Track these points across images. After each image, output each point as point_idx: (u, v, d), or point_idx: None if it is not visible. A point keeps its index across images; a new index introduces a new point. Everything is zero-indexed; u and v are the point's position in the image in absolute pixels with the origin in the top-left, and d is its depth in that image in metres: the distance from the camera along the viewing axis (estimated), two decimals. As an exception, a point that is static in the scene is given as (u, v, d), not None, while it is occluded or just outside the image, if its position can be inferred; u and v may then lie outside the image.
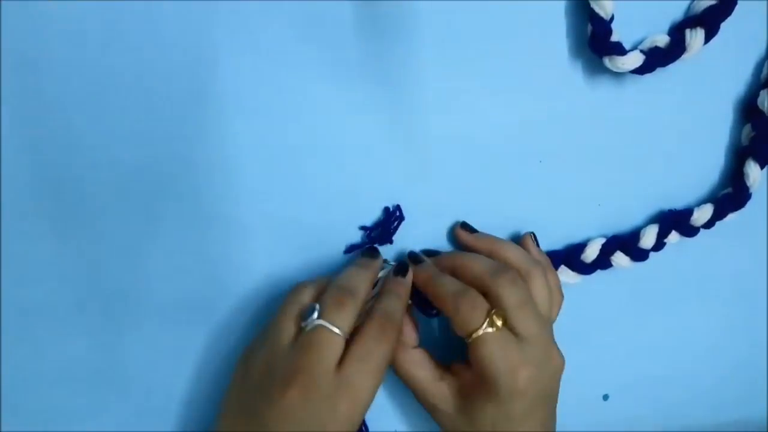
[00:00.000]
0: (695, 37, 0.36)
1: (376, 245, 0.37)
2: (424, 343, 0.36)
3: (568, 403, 0.35)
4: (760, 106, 0.38)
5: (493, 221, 0.38)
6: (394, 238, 0.38)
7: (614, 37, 0.35)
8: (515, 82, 0.37)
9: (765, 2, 0.38)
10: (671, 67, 0.36)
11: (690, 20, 0.36)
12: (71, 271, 0.36)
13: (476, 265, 0.34)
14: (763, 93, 0.38)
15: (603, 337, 0.39)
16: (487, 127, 0.37)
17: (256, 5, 0.34)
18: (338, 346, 0.31)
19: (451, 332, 0.33)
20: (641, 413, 0.43)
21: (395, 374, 0.35)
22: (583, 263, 0.39)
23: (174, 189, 0.35)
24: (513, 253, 0.35)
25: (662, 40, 0.36)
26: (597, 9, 0.34)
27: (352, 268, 0.35)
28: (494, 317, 0.32)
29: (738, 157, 0.40)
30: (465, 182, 0.38)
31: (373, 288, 0.35)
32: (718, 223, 0.40)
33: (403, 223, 0.38)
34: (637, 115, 0.38)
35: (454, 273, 0.35)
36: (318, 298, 0.33)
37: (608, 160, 0.39)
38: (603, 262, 0.39)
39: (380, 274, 0.36)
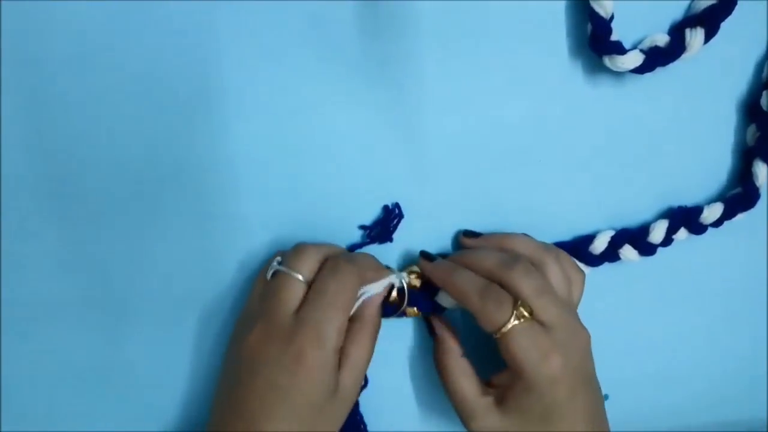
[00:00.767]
0: (695, 36, 0.36)
1: (376, 243, 0.38)
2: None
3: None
4: (764, 107, 0.38)
5: (494, 221, 0.38)
6: (394, 236, 0.38)
7: (614, 37, 0.35)
8: (515, 81, 0.37)
9: (765, 2, 0.38)
10: (671, 66, 0.36)
11: (690, 20, 0.36)
12: (72, 270, 0.36)
13: (488, 259, 0.34)
14: (765, 93, 0.38)
15: (604, 337, 0.39)
16: (487, 126, 0.37)
17: (257, 5, 0.34)
18: (297, 288, 0.32)
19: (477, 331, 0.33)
20: (642, 413, 0.43)
21: (444, 386, 0.35)
22: (591, 255, 0.39)
23: (175, 188, 0.35)
24: (521, 243, 0.36)
25: (662, 39, 0.36)
26: (597, 8, 0.34)
27: None
28: (521, 309, 0.32)
29: (745, 157, 0.40)
30: (465, 182, 0.38)
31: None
32: (725, 222, 0.40)
33: (402, 222, 0.38)
34: (637, 114, 0.38)
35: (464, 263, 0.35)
36: None
37: (608, 160, 0.39)
38: (611, 254, 0.39)
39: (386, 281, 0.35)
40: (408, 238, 0.38)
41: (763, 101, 0.38)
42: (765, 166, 0.38)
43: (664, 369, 0.43)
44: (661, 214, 0.40)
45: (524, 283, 0.32)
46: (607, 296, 0.40)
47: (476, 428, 0.33)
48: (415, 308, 0.36)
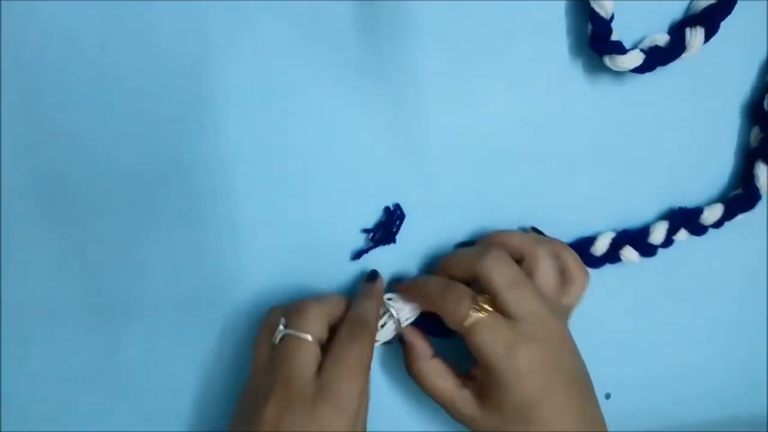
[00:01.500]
0: (695, 36, 0.36)
1: (380, 246, 0.37)
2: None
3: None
4: (767, 108, 0.38)
5: (494, 221, 0.38)
6: (397, 237, 0.37)
7: (614, 36, 0.35)
8: (515, 81, 0.37)
9: (765, 1, 0.38)
10: (671, 66, 0.36)
11: (690, 19, 0.36)
12: (71, 271, 0.36)
13: (461, 255, 0.34)
14: (768, 96, 0.38)
15: (605, 336, 0.39)
16: (487, 126, 0.37)
17: (256, 5, 0.34)
18: (310, 351, 0.31)
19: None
20: (643, 412, 0.43)
21: (420, 389, 0.35)
22: (592, 256, 0.39)
23: (173, 189, 0.35)
24: (511, 237, 0.35)
25: (662, 39, 0.36)
26: (597, 8, 0.34)
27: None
28: (480, 302, 0.32)
29: (747, 159, 0.40)
30: (465, 182, 0.38)
31: None
32: (725, 223, 0.40)
33: (403, 223, 0.38)
34: (638, 114, 0.38)
35: (445, 273, 0.35)
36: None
37: (608, 159, 0.39)
38: (612, 256, 0.39)
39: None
40: (408, 239, 0.38)
41: (766, 103, 0.38)
42: (766, 167, 0.38)
43: (664, 369, 0.43)
44: (661, 214, 0.40)
45: (494, 274, 0.32)
46: (607, 297, 0.40)
47: (464, 422, 0.33)
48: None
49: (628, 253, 0.39)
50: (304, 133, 0.36)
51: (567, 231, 0.40)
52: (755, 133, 0.39)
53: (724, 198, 0.40)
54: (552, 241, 0.36)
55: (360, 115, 0.36)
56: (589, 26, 0.35)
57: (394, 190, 0.37)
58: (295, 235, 0.37)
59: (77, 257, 0.36)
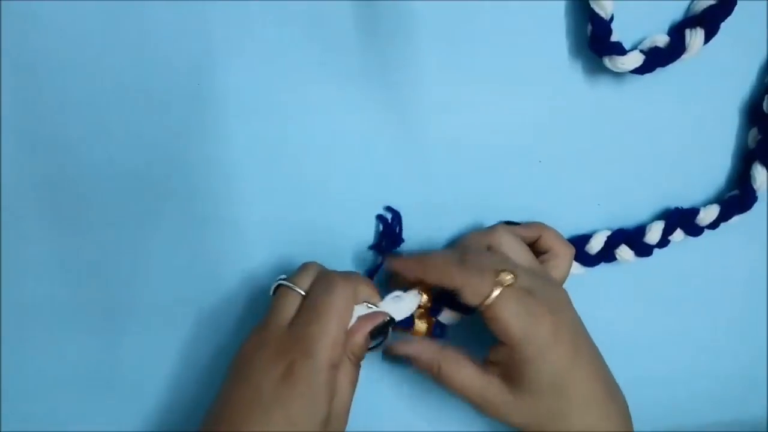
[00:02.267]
0: (695, 37, 0.36)
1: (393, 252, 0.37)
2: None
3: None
4: (766, 110, 0.38)
5: (493, 221, 0.38)
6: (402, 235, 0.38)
7: (614, 37, 0.35)
8: (515, 82, 0.37)
9: (765, 2, 0.38)
10: (671, 67, 0.36)
11: (690, 20, 0.36)
12: (71, 271, 0.36)
13: (442, 262, 0.32)
14: (767, 97, 0.38)
15: (605, 338, 0.39)
16: (487, 127, 0.37)
17: (256, 6, 0.34)
18: (295, 300, 0.32)
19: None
20: (642, 414, 0.43)
21: (445, 387, 0.33)
22: (587, 254, 0.39)
23: (173, 190, 0.35)
24: (469, 238, 0.36)
25: (662, 40, 0.36)
26: (597, 9, 0.34)
27: None
28: (504, 275, 0.31)
29: (744, 160, 0.40)
30: (465, 182, 0.38)
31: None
32: (720, 224, 0.40)
33: (403, 224, 0.38)
34: (637, 115, 0.38)
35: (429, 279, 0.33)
36: None
37: (608, 160, 0.39)
38: (607, 254, 0.39)
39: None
40: (408, 240, 0.38)
41: (765, 104, 0.38)
42: (764, 169, 0.38)
43: (663, 369, 0.43)
44: (652, 215, 0.40)
45: (476, 284, 0.31)
46: (606, 300, 0.40)
47: (497, 416, 0.32)
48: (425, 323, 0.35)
49: (624, 252, 0.39)
50: (304, 133, 0.36)
51: (566, 231, 0.39)
52: (753, 134, 0.39)
53: (720, 199, 0.40)
54: (498, 226, 0.36)
55: (360, 115, 0.36)
56: (589, 27, 0.35)
57: (394, 190, 0.37)
58: (295, 234, 0.37)
59: (77, 257, 0.36)
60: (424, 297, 0.34)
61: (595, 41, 0.35)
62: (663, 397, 0.43)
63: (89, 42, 0.33)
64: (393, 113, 0.36)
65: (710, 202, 0.40)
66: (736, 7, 0.35)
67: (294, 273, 0.33)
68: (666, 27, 0.37)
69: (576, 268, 0.39)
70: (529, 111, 0.37)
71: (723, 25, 0.36)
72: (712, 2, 0.36)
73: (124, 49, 0.33)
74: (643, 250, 0.39)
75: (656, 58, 0.36)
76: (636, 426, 0.42)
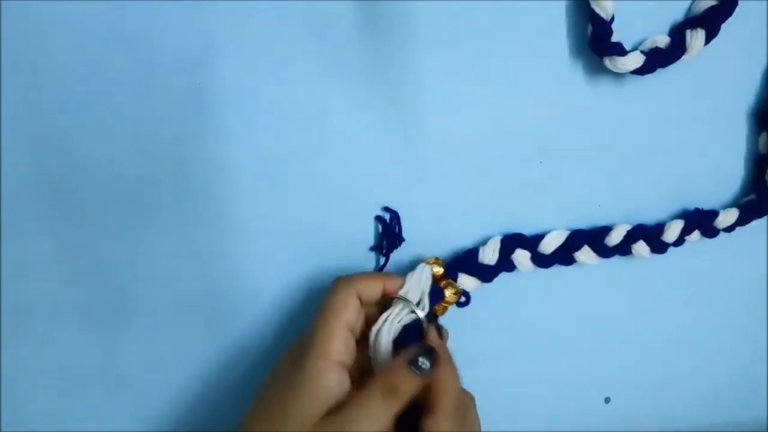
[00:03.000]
0: (696, 37, 0.36)
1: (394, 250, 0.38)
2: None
3: (570, 407, 0.35)
4: None
5: (493, 221, 0.39)
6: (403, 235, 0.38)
7: (614, 38, 0.35)
8: (515, 82, 0.37)
9: (765, 2, 0.38)
10: (672, 67, 0.36)
11: (691, 21, 0.36)
12: (71, 271, 0.36)
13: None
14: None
15: (606, 339, 0.39)
16: (487, 127, 0.37)
17: (256, 5, 0.34)
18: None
19: None
20: (643, 415, 0.43)
21: None
22: (605, 246, 0.39)
23: (173, 189, 0.35)
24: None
25: (663, 40, 0.36)
26: (597, 9, 0.34)
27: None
28: None
29: (757, 165, 0.40)
30: (465, 182, 0.38)
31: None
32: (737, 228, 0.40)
33: (403, 225, 0.38)
34: (638, 116, 0.38)
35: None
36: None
37: (608, 161, 0.39)
38: (623, 248, 0.39)
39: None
40: (408, 240, 0.38)
41: None
42: None
43: (664, 370, 0.43)
44: (661, 215, 0.40)
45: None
46: (607, 300, 0.40)
47: None
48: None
49: (640, 247, 0.39)
50: (304, 132, 0.36)
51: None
52: (764, 139, 0.39)
53: (737, 203, 0.40)
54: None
55: (360, 115, 0.36)
56: (590, 27, 0.35)
57: (394, 190, 0.37)
58: (295, 234, 0.37)
59: (77, 257, 0.36)
60: (436, 267, 0.35)
61: (595, 42, 0.35)
62: (663, 397, 0.43)
63: (89, 42, 0.33)
64: (393, 113, 0.36)
65: (711, 203, 0.40)
66: (737, 8, 0.35)
67: None
68: (667, 27, 0.37)
69: (592, 258, 0.39)
70: (529, 111, 0.37)
71: (724, 25, 0.36)
72: (713, 3, 0.36)
73: (125, 49, 0.33)
74: (659, 247, 0.39)
75: (657, 59, 0.36)
76: (636, 426, 0.42)
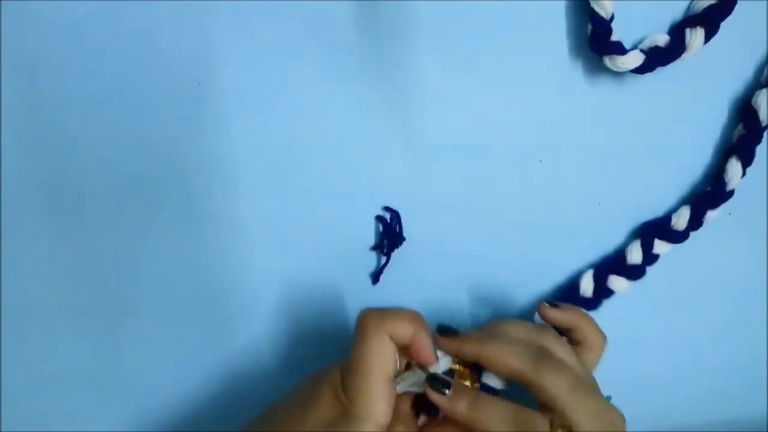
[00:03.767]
0: (695, 36, 0.36)
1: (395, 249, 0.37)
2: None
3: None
4: (754, 105, 0.38)
5: (493, 221, 0.38)
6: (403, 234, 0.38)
7: (614, 37, 0.35)
8: (515, 82, 0.37)
9: (765, 2, 0.38)
10: (671, 66, 0.36)
11: (690, 19, 0.36)
12: (71, 271, 0.36)
13: (512, 357, 0.30)
14: (759, 93, 0.38)
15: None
16: (487, 126, 0.37)
17: (256, 5, 0.34)
18: None
19: None
20: (642, 414, 0.43)
21: None
22: (579, 296, 0.39)
23: (172, 189, 0.35)
24: (520, 331, 0.33)
25: (662, 39, 0.36)
26: (597, 8, 0.34)
27: None
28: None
29: (724, 155, 0.39)
30: (465, 182, 0.38)
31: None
32: (718, 225, 0.39)
33: (403, 224, 0.38)
34: (638, 114, 0.38)
35: (482, 364, 0.32)
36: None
37: (608, 159, 0.39)
38: (602, 291, 0.39)
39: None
40: (409, 240, 0.38)
41: (754, 99, 0.38)
42: (738, 163, 0.38)
43: (664, 369, 0.43)
44: (661, 213, 0.40)
45: (556, 384, 0.30)
46: (606, 301, 0.40)
47: None
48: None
49: (617, 282, 0.39)
50: (304, 132, 0.36)
51: (566, 230, 0.40)
52: (738, 129, 0.38)
53: (691, 198, 0.39)
54: (564, 310, 0.34)
55: (360, 115, 0.36)
56: (589, 26, 0.35)
57: (395, 189, 0.37)
58: (295, 234, 0.37)
59: (77, 257, 0.36)
60: (458, 366, 0.32)
61: (595, 41, 0.35)
62: (663, 397, 0.43)
63: (89, 42, 0.33)
64: (393, 113, 0.36)
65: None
66: (736, 7, 0.35)
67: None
68: (666, 26, 0.37)
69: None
70: (529, 110, 0.37)
71: (723, 24, 0.36)
72: (713, 1, 0.36)
73: (124, 49, 0.33)
74: (632, 273, 0.39)
75: (656, 58, 0.36)
76: (636, 426, 0.42)
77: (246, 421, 0.31)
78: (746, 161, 0.38)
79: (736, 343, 0.43)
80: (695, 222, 0.39)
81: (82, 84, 0.34)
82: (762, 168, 0.39)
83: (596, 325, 0.34)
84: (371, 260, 0.38)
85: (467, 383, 0.32)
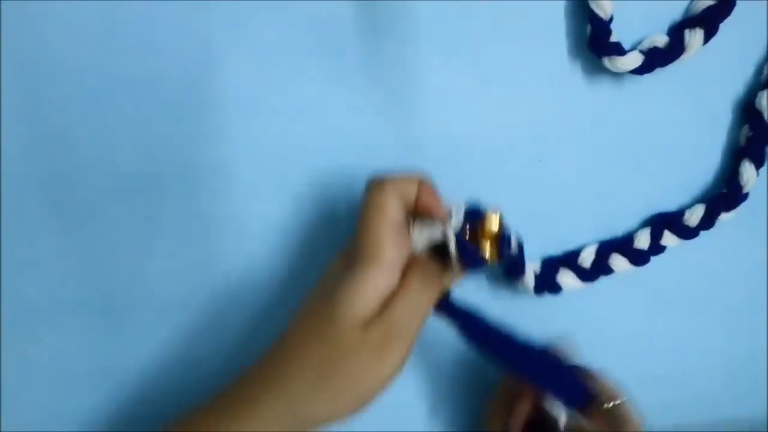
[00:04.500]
0: (694, 37, 0.36)
1: None
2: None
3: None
4: (758, 107, 0.38)
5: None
6: None
7: (613, 38, 0.35)
8: (515, 82, 0.37)
9: (765, 2, 0.38)
10: (670, 67, 0.36)
11: (689, 20, 0.36)
12: (71, 271, 0.36)
13: None
14: (761, 94, 0.38)
15: (606, 339, 0.39)
16: (487, 127, 0.37)
17: (256, 6, 0.34)
18: None
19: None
20: (642, 413, 0.43)
21: None
22: (581, 269, 0.39)
23: (173, 189, 0.35)
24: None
25: (661, 40, 0.36)
26: (596, 9, 0.34)
27: None
28: None
29: (734, 158, 0.40)
30: (465, 182, 0.38)
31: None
32: (718, 224, 0.39)
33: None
34: (637, 115, 0.39)
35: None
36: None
37: (608, 160, 0.39)
38: (602, 266, 0.39)
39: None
40: (408, 239, 0.38)
41: (757, 101, 0.38)
42: (752, 166, 0.38)
43: (664, 369, 0.43)
44: (647, 221, 0.40)
45: None
46: (607, 300, 0.40)
47: None
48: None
49: (618, 261, 0.39)
50: (304, 132, 0.36)
51: (567, 230, 0.40)
52: (745, 131, 0.39)
53: (706, 198, 0.40)
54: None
55: (360, 114, 0.36)
56: (589, 27, 0.35)
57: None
58: (296, 234, 0.37)
59: (78, 257, 0.36)
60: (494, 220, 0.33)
61: (594, 41, 0.35)
62: (663, 397, 0.43)
63: (90, 42, 0.33)
64: (393, 113, 0.36)
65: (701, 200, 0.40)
66: (735, 8, 0.36)
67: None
68: (665, 27, 0.37)
69: (574, 281, 0.39)
70: (529, 111, 0.37)
71: (722, 25, 0.36)
72: (712, 2, 0.36)
73: (125, 49, 0.34)
74: (636, 257, 0.39)
75: (655, 59, 0.36)
76: (636, 426, 0.42)
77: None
78: (759, 163, 0.38)
79: (736, 343, 0.43)
80: (708, 222, 0.39)
81: (82, 84, 0.34)
82: (762, 168, 0.39)
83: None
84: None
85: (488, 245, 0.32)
